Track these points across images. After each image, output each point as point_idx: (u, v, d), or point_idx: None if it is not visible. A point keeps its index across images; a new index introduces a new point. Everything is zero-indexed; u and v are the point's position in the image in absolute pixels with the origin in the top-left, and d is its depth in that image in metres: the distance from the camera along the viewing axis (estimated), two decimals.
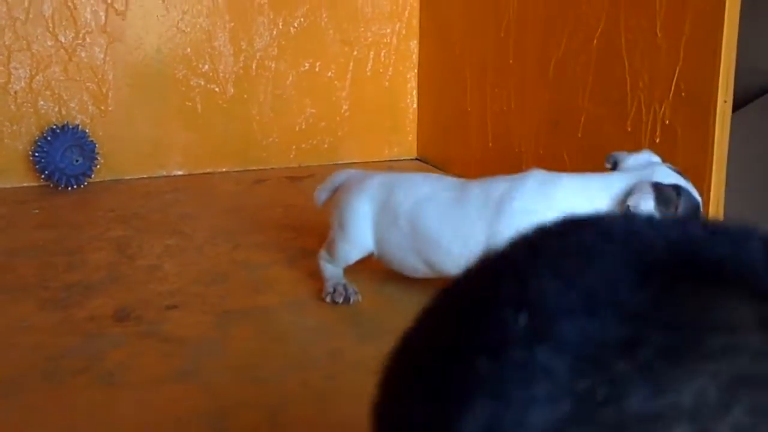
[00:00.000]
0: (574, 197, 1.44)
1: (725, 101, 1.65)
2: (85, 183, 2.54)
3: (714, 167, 1.66)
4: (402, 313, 1.62)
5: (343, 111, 2.85)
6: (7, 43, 2.53)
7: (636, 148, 1.82)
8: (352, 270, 1.70)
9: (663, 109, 1.78)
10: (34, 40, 2.56)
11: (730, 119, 1.67)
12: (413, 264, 1.61)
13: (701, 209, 1.44)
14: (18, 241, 2.03)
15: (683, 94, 1.73)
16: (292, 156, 2.82)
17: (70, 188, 2.50)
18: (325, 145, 2.84)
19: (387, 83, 2.88)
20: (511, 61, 2.34)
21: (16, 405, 1.28)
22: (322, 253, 1.72)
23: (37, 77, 2.58)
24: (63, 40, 2.59)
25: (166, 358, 1.43)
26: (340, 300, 1.64)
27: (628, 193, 1.40)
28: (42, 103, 2.60)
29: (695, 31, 1.69)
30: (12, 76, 2.56)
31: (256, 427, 1.20)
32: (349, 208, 1.66)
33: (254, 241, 2.01)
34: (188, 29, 2.68)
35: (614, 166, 1.51)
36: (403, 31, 2.87)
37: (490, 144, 2.47)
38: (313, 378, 1.34)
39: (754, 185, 1.55)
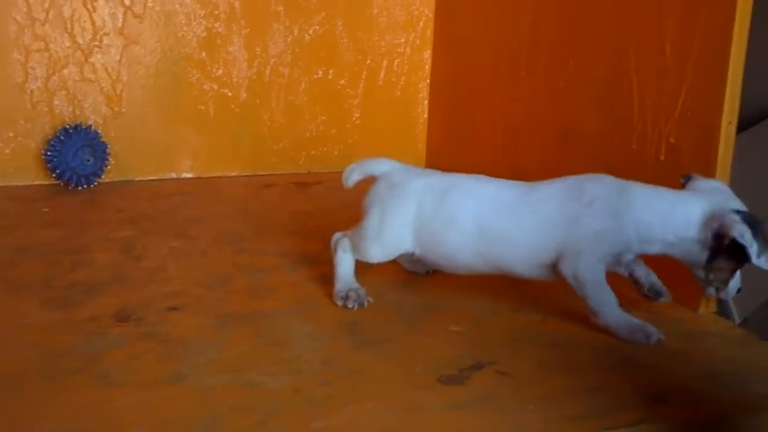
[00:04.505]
0: (650, 205, 1.50)
1: (730, 122, 1.66)
2: (96, 183, 2.56)
3: None
4: (400, 321, 1.64)
5: (354, 119, 2.87)
6: (26, 43, 2.56)
7: (641, 165, 1.83)
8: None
9: (668, 127, 1.78)
10: (52, 41, 2.59)
11: (734, 140, 1.67)
12: (472, 263, 1.61)
13: None
14: (26, 239, 2.05)
15: (689, 113, 1.73)
16: (301, 162, 2.83)
17: (80, 188, 2.52)
18: (336, 153, 2.85)
19: (399, 93, 2.89)
20: (522, 74, 2.34)
21: (14, 402, 1.29)
22: (344, 241, 1.70)
23: (54, 77, 2.60)
24: (80, 42, 2.61)
25: (163, 359, 1.44)
26: (355, 306, 1.64)
27: (710, 218, 1.45)
28: (57, 102, 2.62)
29: (703, 51, 1.69)
30: (29, 76, 2.58)
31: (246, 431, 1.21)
32: (391, 210, 1.64)
33: (258, 246, 2.02)
34: (204, 34, 2.70)
35: (683, 185, 1.56)
36: (417, 41, 2.88)
37: (499, 156, 2.47)
38: (307, 384, 1.35)
39: (755, 207, 1.55)
